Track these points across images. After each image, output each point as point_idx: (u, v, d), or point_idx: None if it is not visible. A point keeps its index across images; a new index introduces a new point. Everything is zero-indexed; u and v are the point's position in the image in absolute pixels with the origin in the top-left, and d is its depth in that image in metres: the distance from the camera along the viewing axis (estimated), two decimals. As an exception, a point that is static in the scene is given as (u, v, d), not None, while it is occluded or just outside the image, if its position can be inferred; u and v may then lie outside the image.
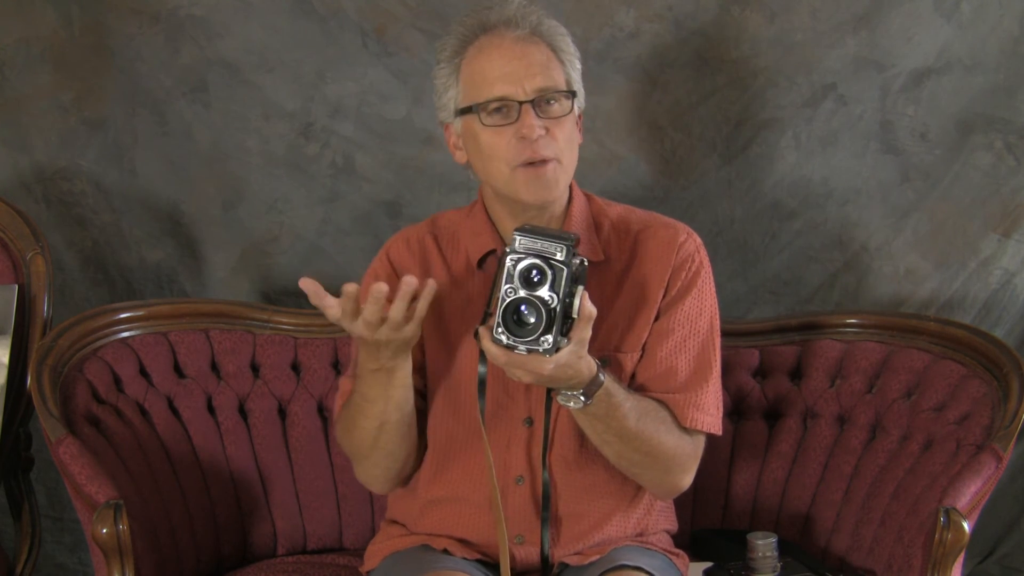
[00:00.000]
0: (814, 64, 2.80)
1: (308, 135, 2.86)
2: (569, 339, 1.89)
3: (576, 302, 1.88)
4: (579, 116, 2.18)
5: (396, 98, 2.84)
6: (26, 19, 2.82)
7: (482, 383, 2.04)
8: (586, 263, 1.92)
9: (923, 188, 2.85)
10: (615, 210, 2.24)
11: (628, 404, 2.03)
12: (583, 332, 1.90)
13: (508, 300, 1.87)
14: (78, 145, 2.87)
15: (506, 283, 1.88)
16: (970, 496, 2.17)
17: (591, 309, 1.90)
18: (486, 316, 1.94)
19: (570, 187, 2.20)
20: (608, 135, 2.83)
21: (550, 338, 1.87)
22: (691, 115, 2.84)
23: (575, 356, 1.91)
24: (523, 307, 1.87)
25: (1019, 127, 2.80)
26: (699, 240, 2.20)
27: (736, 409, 2.62)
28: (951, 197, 2.84)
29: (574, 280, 1.89)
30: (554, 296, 1.87)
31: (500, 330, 1.88)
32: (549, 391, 2.05)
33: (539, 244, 1.89)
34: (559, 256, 1.88)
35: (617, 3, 2.79)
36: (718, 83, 2.82)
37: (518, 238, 1.89)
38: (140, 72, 2.84)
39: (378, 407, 2.05)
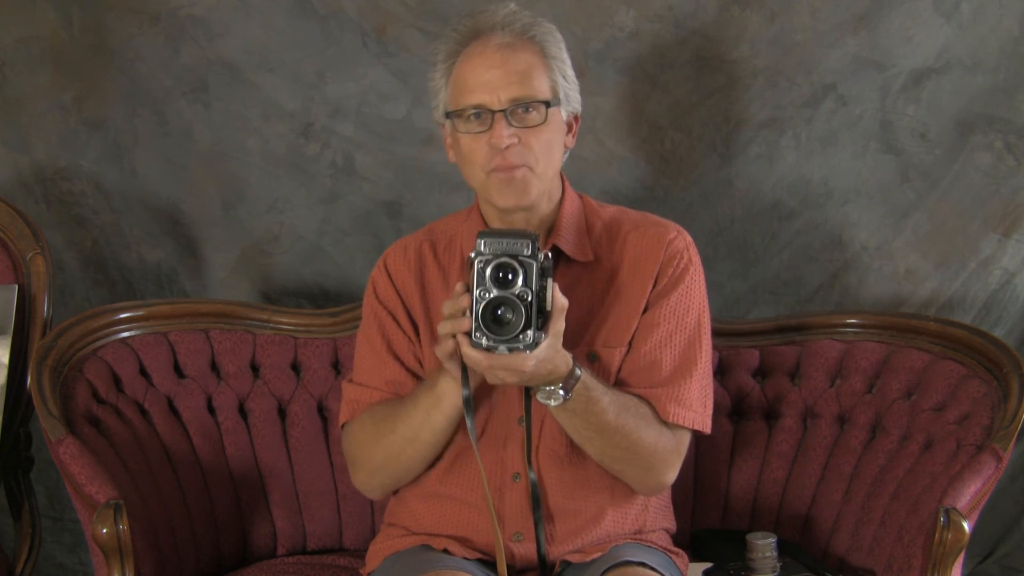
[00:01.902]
0: (814, 64, 2.80)
1: (308, 135, 2.86)
2: (545, 333, 1.91)
3: (548, 295, 1.91)
4: (575, 119, 2.20)
5: (396, 98, 2.84)
6: (26, 19, 2.82)
7: (467, 403, 2.04)
8: (550, 256, 1.94)
9: (923, 188, 2.84)
10: (608, 211, 2.27)
11: (607, 399, 2.05)
12: (558, 324, 1.93)
13: (484, 302, 1.90)
14: (78, 145, 2.86)
15: (477, 287, 1.90)
16: (970, 496, 2.17)
17: (563, 300, 1.93)
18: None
19: (562, 188, 2.23)
20: (608, 135, 2.83)
21: (530, 333, 1.90)
22: (691, 115, 2.84)
23: (552, 350, 1.93)
24: (500, 306, 1.90)
25: (1019, 127, 2.80)
26: (690, 239, 2.23)
27: (736, 409, 2.62)
28: (951, 197, 2.84)
29: (542, 274, 1.92)
30: (528, 291, 1.90)
31: (479, 334, 1.90)
32: (528, 391, 2.06)
33: (504, 244, 1.92)
34: (526, 252, 1.91)
35: (617, 3, 2.79)
36: (718, 83, 2.82)
37: (482, 241, 1.92)
38: (140, 72, 2.84)
39: (416, 421, 2.10)
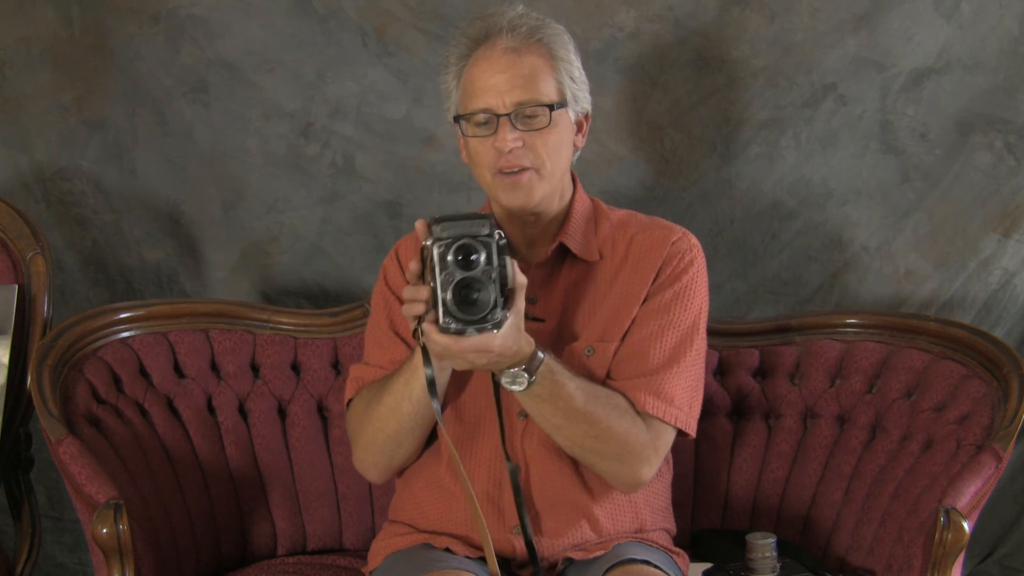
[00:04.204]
0: (814, 64, 2.80)
1: (308, 135, 2.86)
2: (508, 311, 1.91)
3: (509, 272, 1.92)
4: (585, 118, 2.22)
5: (396, 98, 2.84)
6: (26, 19, 2.82)
7: (431, 384, 2.04)
8: (504, 235, 1.93)
9: (923, 188, 2.84)
10: (617, 214, 2.29)
11: (573, 384, 2.05)
12: (519, 302, 1.93)
13: (451, 284, 1.89)
14: (78, 145, 2.87)
15: (441, 272, 1.89)
16: (970, 496, 2.17)
17: (522, 278, 1.94)
18: (420, 320, 1.95)
19: (574, 189, 2.25)
20: (608, 135, 2.83)
21: (498, 312, 1.89)
22: (691, 115, 2.84)
23: (515, 328, 1.94)
24: (468, 287, 1.89)
25: (1019, 127, 2.80)
26: (696, 242, 2.24)
27: (736, 409, 2.62)
28: (951, 197, 2.84)
29: (500, 252, 1.91)
30: (492, 269, 1.90)
31: (447, 319, 1.89)
32: (496, 384, 2.06)
33: (461, 226, 1.91)
34: (484, 232, 1.91)
35: (617, 3, 2.79)
36: (718, 83, 2.82)
37: (438, 227, 1.91)
38: (140, 72, 2.84)
39: (397, 391, 2.10)
